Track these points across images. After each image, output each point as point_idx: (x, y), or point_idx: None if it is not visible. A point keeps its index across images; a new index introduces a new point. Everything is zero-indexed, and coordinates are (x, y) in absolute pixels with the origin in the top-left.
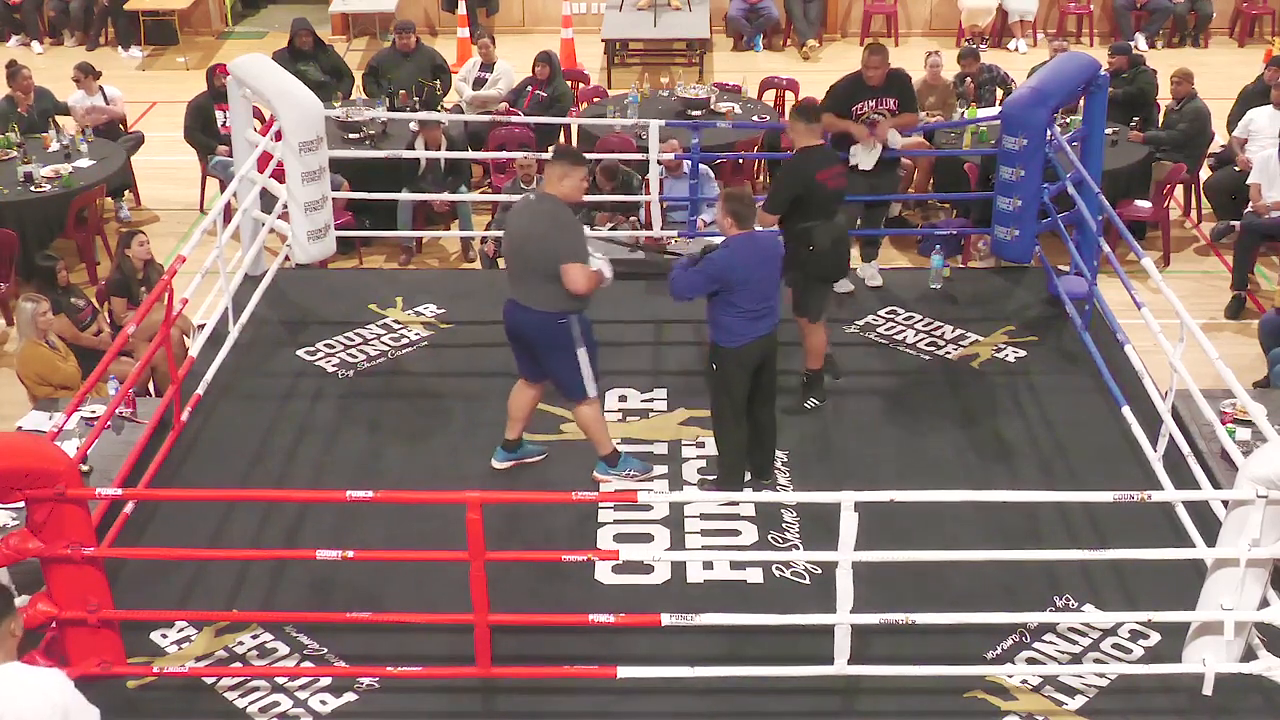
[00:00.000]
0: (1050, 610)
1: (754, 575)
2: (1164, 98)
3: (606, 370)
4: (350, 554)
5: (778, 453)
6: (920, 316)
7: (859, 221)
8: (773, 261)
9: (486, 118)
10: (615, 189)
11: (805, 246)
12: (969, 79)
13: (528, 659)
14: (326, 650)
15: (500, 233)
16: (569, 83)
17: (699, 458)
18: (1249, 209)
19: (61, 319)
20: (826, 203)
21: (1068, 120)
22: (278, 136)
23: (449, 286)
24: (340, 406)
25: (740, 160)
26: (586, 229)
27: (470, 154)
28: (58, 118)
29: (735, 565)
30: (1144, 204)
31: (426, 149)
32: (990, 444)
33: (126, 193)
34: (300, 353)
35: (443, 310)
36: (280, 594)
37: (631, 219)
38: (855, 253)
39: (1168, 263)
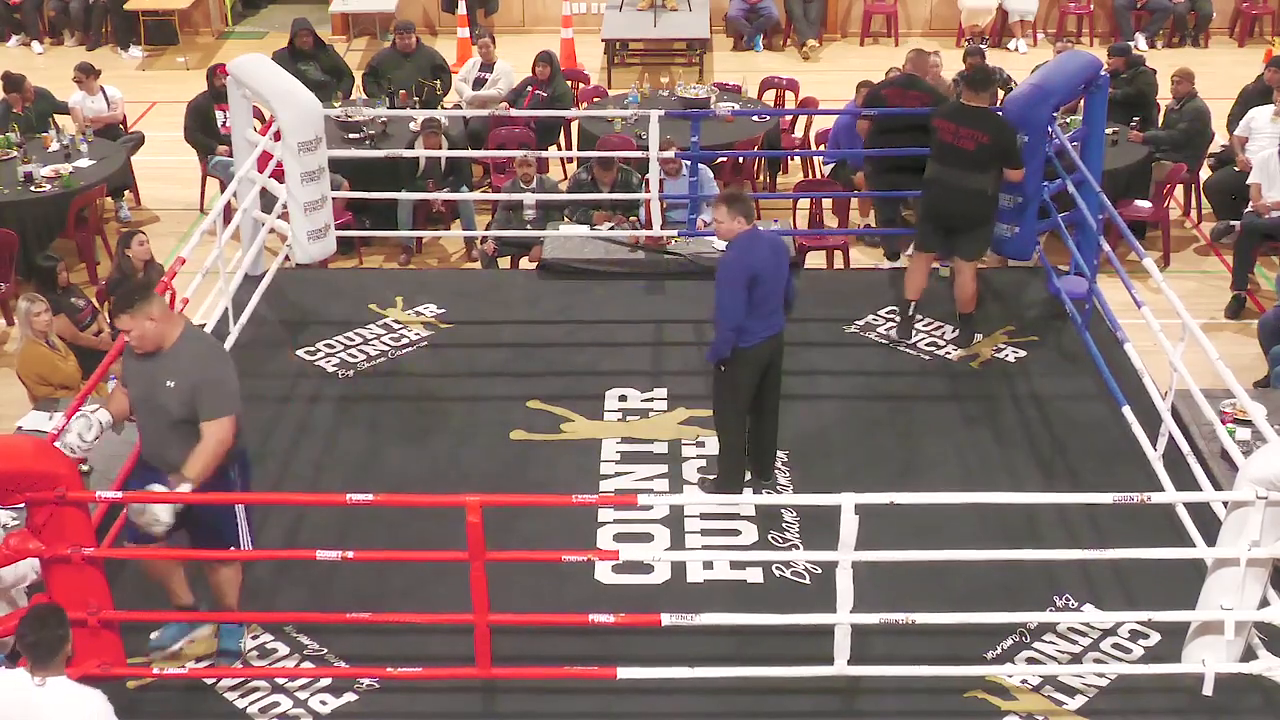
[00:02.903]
0: (1050, 610)
1: (754, 575)
2: (1164, 98)
3: (607, 370)
4: (350, 554)
5: (778, 453)
6: (920, 316)
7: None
8: (780, 255)
9: (485, 112)
10: (614, 180)
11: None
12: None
13: (528, 659)
14: (326, 650)
15: (501, 232)
16: (569, 83)
17: (699, 457)
18: (1249, 209)
19: (61, 319)
20: (939, 149)
21: (1068, 120)
22: (277, 136)
23: (449, 286)
24: (340, 407)
25: (740, 160)
26: (585, 228)
27: (470, 153)
28: (57, 118)
29: (735, 565)
30: (1144, 204)
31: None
32: (990, 444)
33: (126, 193)
34: (300, 353)
35: (443, 310)
36: (280, 594)
37: (631, 219)
38: None
39: (1168, 263)
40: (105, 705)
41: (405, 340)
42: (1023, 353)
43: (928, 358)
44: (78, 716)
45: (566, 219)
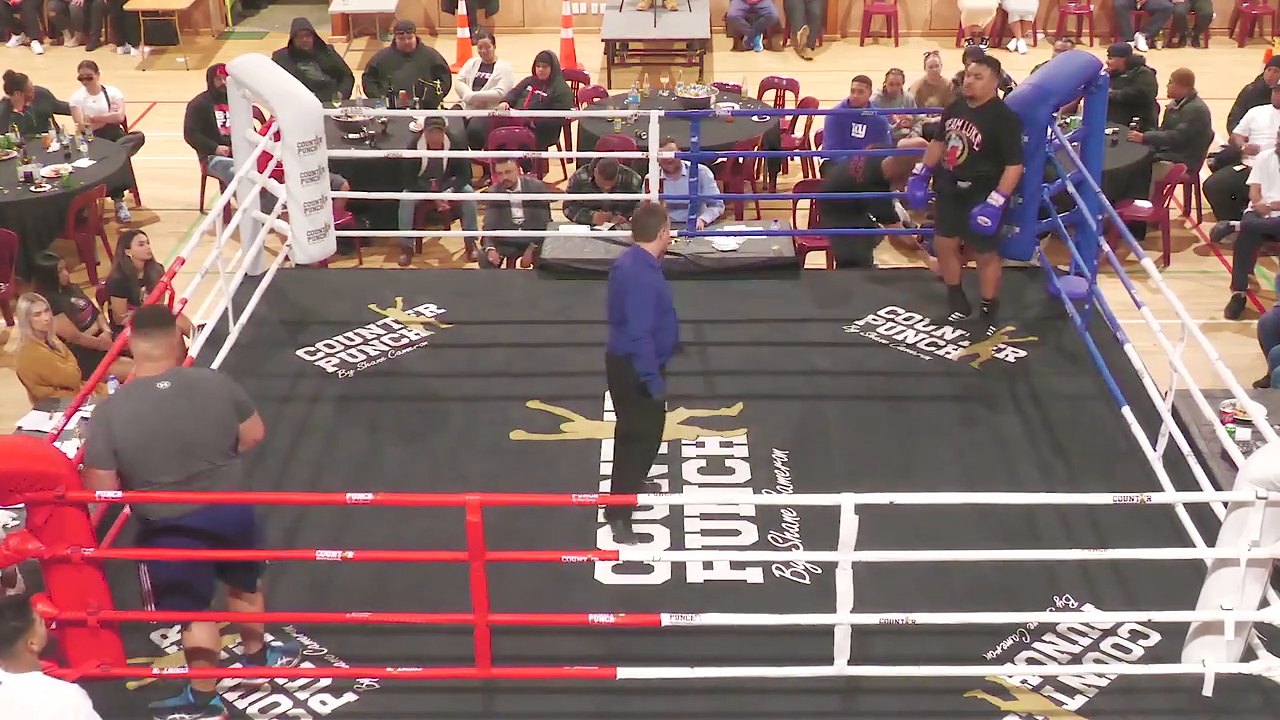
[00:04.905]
0: (1050, 610)
1: (754, 575)
2: (1164, 98)
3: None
4: (350, 554)
5: (778, 452)
6: (920, 316)
7: None
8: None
9: (485, 112)
10: (614, 188)
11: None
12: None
13: (528, 659)
14: (326, 651)
15: (501, 233)
16: (569, 83)
17: (699, 457)
18: (1249, 209)
19: (61, 319)
20: None
21: (1068, 120)
22: (277, 137)
23: (449, 286)
24: (340, 407)
25: (740, 160)
26: (585, 228)
27: (471, 154)
28: (57, 118)
29: (735, 565)
30: (1144, 204)
31: (428, 149)
32: (990, 444)
33: (126, 193)
34: (300, 353)
35: (443, 310)
36: (280, 594)
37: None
38: None
39: (1168, 263)
40: (83, 699)
41: (405, 340)
42: (1023, 353)
43: (928, 358)
44: (52, 708)
45: (566, 219)
